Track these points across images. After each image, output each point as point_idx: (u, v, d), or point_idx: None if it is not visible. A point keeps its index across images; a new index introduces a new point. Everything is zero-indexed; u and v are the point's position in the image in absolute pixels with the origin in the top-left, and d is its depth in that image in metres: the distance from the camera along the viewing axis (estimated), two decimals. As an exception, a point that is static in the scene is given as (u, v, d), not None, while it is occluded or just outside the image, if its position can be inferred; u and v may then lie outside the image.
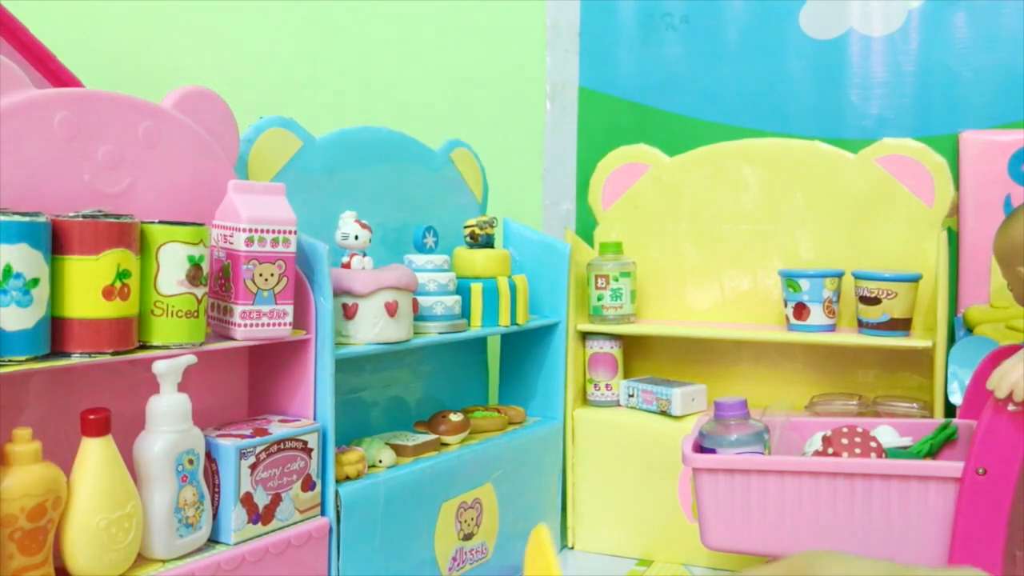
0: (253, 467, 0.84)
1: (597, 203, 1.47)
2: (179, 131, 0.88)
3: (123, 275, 0.74)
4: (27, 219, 0.68)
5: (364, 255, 1.03)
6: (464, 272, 1.20)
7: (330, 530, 0.92)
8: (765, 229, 1.36)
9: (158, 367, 0.77)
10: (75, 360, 0.72)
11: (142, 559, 0.77)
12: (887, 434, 1.05)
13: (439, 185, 1.27)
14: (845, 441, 0.96)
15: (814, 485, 0.93)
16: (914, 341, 1.19)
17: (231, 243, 0.86)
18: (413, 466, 1.04)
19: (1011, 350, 0.94)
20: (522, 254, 1.36)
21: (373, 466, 1.01)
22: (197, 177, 0.89)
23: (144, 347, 0.78)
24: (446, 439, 1.12)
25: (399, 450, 1.05)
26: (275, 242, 0.87)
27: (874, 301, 1.20)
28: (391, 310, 1.00)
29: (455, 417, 1.13)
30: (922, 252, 1.27)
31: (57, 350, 0.72)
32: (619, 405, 1.36)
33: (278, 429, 0.89)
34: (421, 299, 1.09)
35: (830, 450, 0.96)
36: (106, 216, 0.73)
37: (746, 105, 1.44)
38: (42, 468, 0.69)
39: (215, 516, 0.83)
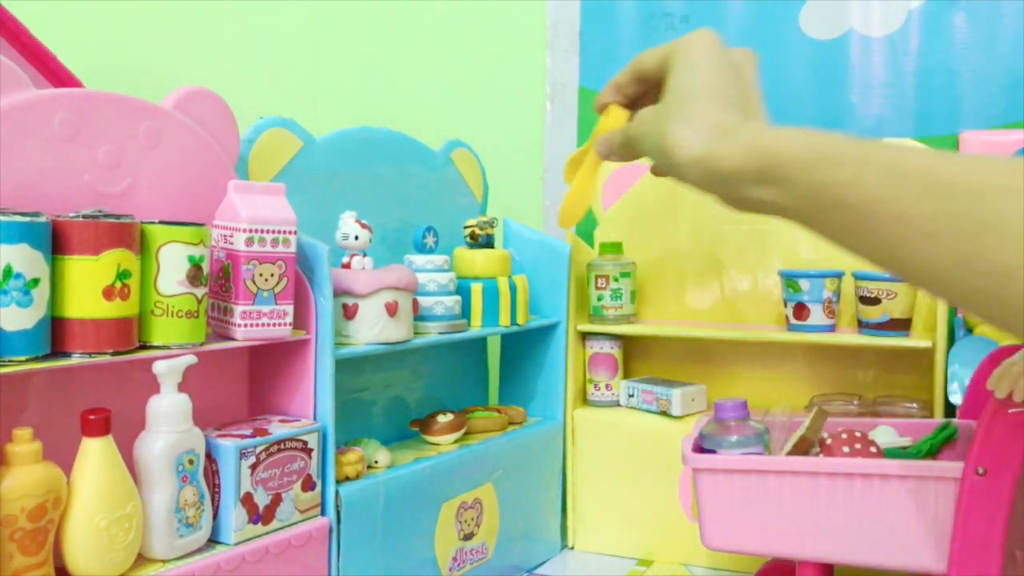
0: (253, 467, 0.84)
1: (597, 203, 1.47)
2: (179, 131, 0.88)
3: (123, 275, 0.74)
4: (27, 219, 0.68)
5: (364, 255, 1.03)
6: (464, 272, 1.20)
7: (330, 530, 0.93)
8: (765, 229, 1.36)
9: (158, 367, 0.77)
10: (75, 360, 0.72)
11: (142, 559, 0.77)
12: (887, 434, 1.05)
13: (439, 185, 1.27)
14: (845, 445, 0.96)
15: (813, 485, 0.93)
16: (914, 341, 1.19)
17: (231, 243, 0.86)
18: (413, 466, 1.04)
19: (1011, 350, 0.94)
20: (522, 254, 1.36)
21: (370, 466, 1.01)
22: (197, 177, 0.89)
23: (144, 347, 0.78)
24: (436, 439, 1.12)
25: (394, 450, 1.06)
26: (275, 242, 0.87)
27: (874, 301, 1.20)
28: (391, 310, 1.00)
29: (443, 418, 1.13)
30: (922, 252, 1.26)
31: (57, 350, 0.72)
32: (619, 405, 1.36)
33: (278, 429, 0.89)
34: (421, 299, 1.09)
35: (830, 449, 0.96)
36: (106, 216, 0.73)
37: (746, 105, 1.43)
38: (42, 468, 0.69)
39: (215, 516, 0.83)
